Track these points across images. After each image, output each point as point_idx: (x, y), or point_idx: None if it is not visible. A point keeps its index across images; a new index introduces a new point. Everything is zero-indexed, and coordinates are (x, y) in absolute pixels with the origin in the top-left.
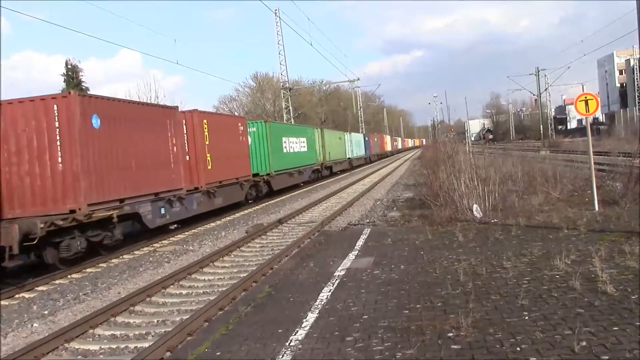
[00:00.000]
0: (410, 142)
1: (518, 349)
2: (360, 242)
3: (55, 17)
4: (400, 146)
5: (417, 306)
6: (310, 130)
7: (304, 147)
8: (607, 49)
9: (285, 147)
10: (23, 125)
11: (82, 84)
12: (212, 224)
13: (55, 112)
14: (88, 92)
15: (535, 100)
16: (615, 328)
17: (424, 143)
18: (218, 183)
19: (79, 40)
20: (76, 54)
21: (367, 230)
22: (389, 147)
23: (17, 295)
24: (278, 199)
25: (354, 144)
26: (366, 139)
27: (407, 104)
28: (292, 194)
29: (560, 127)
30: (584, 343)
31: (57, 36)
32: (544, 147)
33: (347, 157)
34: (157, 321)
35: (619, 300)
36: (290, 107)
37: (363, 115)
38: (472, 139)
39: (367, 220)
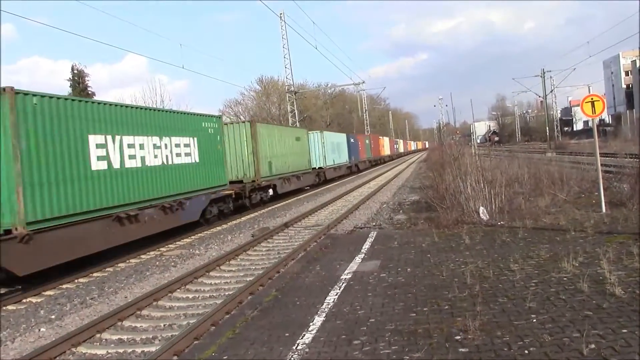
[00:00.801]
0: (413, 145)
1: (526, 351)
2: (366, 245)
3: (61, 22)
4: (402, 149)
5: (424, 309)
6: (209, 122)
7: (189, 155)
8: (613, 50)
9: (106, 158)
10: None
11: (88, 88)
12: (218, 228)
13: None
14: None
15: (541, 102)
16: (624, 330)
17: (427, 146)
18: None
19: (85, 45)
20: (82, 59)
21: (373, 233)
22: (387, 151)
23: (24, 300)
24: (282, 203)
25: (327, 148)
26: (351, 140)
27: (412, 107)
28: None
29: (566, 128)
30: (593, 346)
31: (63, 41)
32: (550, 149)
33: (314, 166)
34: (164, 325)
35: (627, 302)
36: (296, 111)
37: (368, 118)
38: (478, 141)
39: (374, 223)
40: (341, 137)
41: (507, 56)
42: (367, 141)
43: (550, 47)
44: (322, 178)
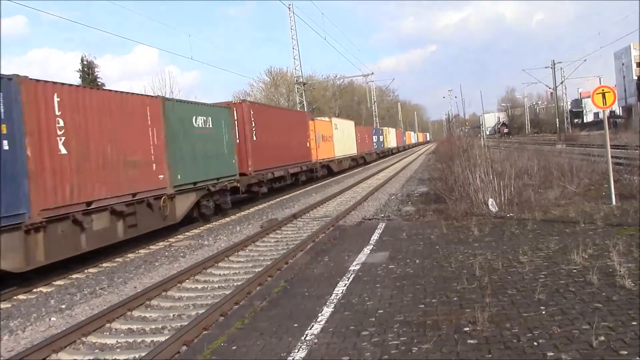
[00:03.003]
0: (413, 137)
1: (535, 343)
2: (375, 237)
3: (72, 14)
4: (394, 143)
5: (433, 301)
6: None
7: None
8: (624, 42)
9: None
10: None
11: (98, 80)
12: (227, 219)
13: None
14: None
15: (551, 93)
16: (634, 323)
17: (428, 138)
18: None
19: (95, 36)
20: (92, 51)
21: (381, 225)
22: (348, 149)
23: (35, 290)
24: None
25: None
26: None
27: (421, 99)
28: None
29: (576, 120)
30: (602, 338)
31: (73, 33)
32: (560, 140)
33: None
34: (173, 315)
35: (637, 294)
36: (304, 102)
37: (377, 109)
38: (487, 132)
39: (382, 215)
40: None
41: (517, 48)
42: (223, 126)
43: (561, 40)
44: None
